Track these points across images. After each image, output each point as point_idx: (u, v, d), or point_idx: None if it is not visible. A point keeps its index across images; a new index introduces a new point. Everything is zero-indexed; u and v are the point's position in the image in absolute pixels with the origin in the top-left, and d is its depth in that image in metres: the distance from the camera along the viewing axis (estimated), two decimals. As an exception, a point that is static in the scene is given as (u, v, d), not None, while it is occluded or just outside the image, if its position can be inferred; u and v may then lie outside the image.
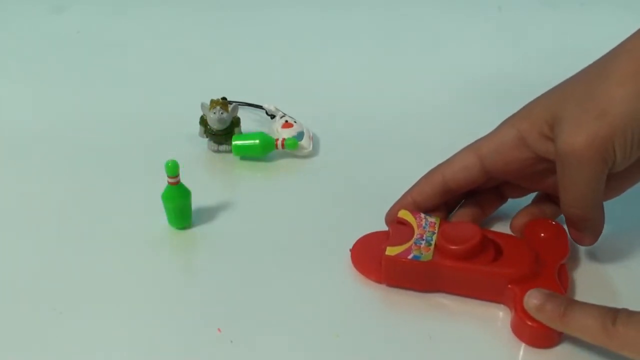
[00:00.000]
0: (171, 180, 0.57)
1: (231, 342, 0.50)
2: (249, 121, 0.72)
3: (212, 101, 0.66)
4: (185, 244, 0.58)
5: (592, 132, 0.49)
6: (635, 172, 0.54)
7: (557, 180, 0.52)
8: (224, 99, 0.68)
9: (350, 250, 0.56)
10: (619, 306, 0.46)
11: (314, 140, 0.69)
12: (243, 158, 0.68)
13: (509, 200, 0.60)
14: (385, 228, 0.57)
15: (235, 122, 0.68)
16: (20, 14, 0.97)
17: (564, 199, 0.52)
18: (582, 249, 0.57)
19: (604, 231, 0.55)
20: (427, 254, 0.52)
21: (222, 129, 0.67)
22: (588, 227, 0.53)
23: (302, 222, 0.60)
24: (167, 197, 0.57)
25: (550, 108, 0.52)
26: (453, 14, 0.98)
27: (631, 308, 0.46)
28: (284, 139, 0.67)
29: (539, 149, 0.52)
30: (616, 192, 0.55)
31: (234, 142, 0.66)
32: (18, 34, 0.93)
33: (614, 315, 0.45)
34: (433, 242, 0.53)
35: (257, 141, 0.66)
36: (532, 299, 0.48)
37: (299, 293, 0.53)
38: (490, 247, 0.52)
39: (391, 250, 0.52)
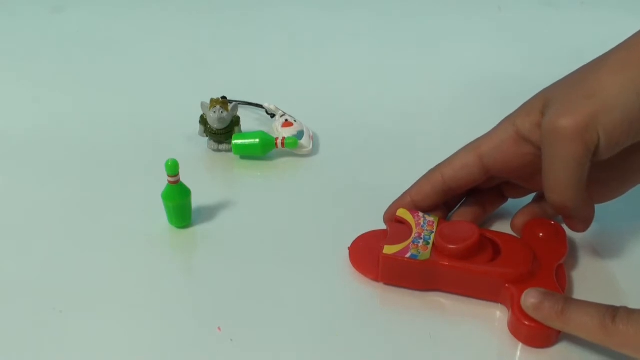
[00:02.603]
0: (171, 180, 0.57)
1: (231, 340, 0.50)
2: (249, 120, 0.72)
3: (212, 100, 0.67)
4: (185, 243, 0.59)
5: (576, 112, 0.48)
6: (634, 171, 0.54)
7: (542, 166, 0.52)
8: (224, 98, 0.68)
9: (349, 248, 0.56)
10: (619, 304, 0.46)
11: (314, 139, 0.69)
12: (243, 157, 0.68)
13: (509, 199, 0.60)
14: (383, 227, 0.57)
15: (235, 121, 0.68)
16: (20, 14, 0.97)
17: (545, 183, 0.52)
18: (581, 247, 0.57)
19: (603, 229, 0.55)
20: (424, 253, 0.52)
21: (222, 128, 0.67)
22: (572, 215, 0.53)
23: (302, 220, 0.60)
24: (167, 196, 0.58)
25: (543, 97, 0.52)
26: (453, 13, 0.98)
27: (631, 306, 0.46)
28: (284, 138, 0.67)
29: (534, 139, 0.52)
30: (616, 192, 0.55)
31: (234, 141, 0.67)
32: (18, 33, 0.93)
33: (613, 313, 0.45)
34: (431, 241, 0.53)
35: (257, 140, 0.67)
36: (530, 298, 0.48)
37: (298, 291, 0.53)
38: (488, 247, 0.53)
39: (389, 249, 0.52)
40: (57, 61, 0.86)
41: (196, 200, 0.60)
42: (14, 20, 0.96)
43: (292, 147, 0.67)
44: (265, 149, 0.67)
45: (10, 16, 0.98)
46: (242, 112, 0.70)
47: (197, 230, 0.60)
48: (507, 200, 0.60)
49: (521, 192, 0.59)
